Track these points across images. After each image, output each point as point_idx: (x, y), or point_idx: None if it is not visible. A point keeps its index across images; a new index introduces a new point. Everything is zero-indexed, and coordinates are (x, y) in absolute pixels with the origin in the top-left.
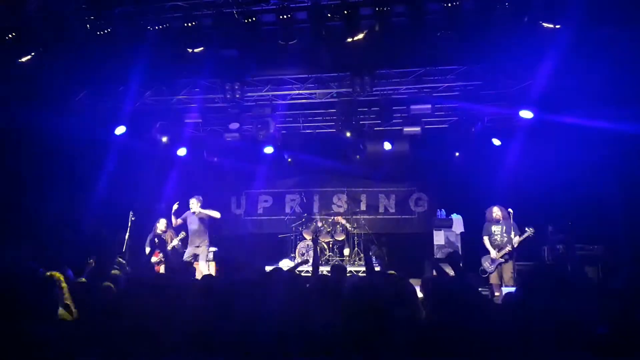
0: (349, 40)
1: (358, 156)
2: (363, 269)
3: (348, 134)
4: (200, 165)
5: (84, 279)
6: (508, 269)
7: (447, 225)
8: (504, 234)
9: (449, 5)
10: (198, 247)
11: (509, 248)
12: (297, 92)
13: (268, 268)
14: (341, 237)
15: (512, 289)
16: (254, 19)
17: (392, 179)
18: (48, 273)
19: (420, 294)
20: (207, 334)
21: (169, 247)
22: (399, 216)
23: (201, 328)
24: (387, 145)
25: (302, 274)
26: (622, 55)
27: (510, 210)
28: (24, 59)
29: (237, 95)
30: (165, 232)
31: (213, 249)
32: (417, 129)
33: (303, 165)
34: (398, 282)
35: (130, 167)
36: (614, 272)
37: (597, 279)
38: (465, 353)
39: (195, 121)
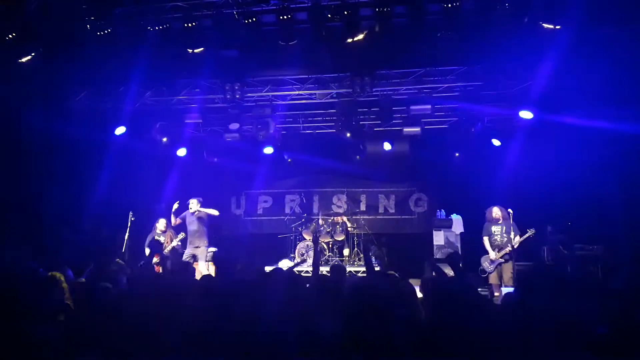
0: (349, 40)
1: (358, 156)
2: (362, 269)
3: (348, 135)
4: (200, 165)
5: (83, 279)
6: (508, 269)
7: (447, 225)
8: (504, 234)
9: (449, 5)
10: (197, 247)
11: (508, 248)
12: (297, 92)
13: (268, 268)
14: (341, 237)
15: (512, 289)
16: (254, 19)
17: (392, 179)
18: (49, 273)
19: (419, 294)
20: (206, 334)
21: (169, 248)
22: (399, 216)
23: (201, 328)
24: (387, 146)
25: (302, 274)
26: (622, 55)
27: (510, 210)
28: (24, 59)
29: (237, 96)
30: (164, 232)
31: (213, 249)
32: (417, 129)
33: (303, 165)
34: (397, 282)
35: (130, 167)
36: (614, 272)
37: (597, 279)
38: (465, 353)
39: (195, 121)
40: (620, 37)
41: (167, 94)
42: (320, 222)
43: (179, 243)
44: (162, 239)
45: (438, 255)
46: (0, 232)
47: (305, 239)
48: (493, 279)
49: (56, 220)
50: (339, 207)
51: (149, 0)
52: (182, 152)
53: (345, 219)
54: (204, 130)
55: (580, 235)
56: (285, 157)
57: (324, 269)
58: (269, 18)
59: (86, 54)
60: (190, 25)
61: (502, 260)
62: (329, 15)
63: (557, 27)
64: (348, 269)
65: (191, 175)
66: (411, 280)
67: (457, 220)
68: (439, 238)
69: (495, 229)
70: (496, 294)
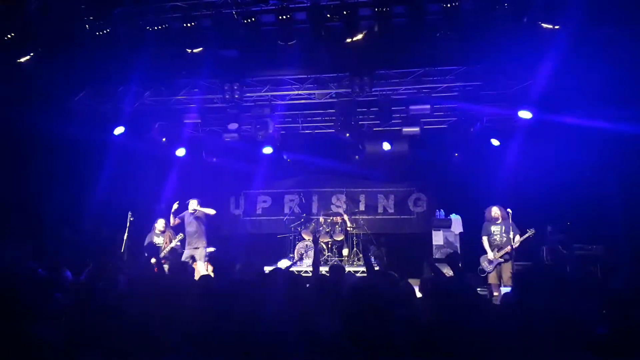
0: (348, 40)
1: (357, 156)
2: (362, 269)
3: (347, 135)
4: (199, 165)
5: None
6: (507, 269)
7: (446, 225)
8: (504, 234)
9: (448, 5)
10: (196, 249)
11: (508, 248)
12: (296, 92)
13: (267, 268)
14: (340, 237)
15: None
16: (253, 19)
17: (391, 179)
18: None
19: (419, 294)
20: (206, 334)
21: (168, 248)
22: (398, 216)
23: (200, 328)
24: (386, 146)
25: (302, 274)
26: (621, 55)
27: (509, 210)
28: (23, 59)
29: (236, 96)
30: (163, 232)
31: (211, 249)
32: (416, 129)
33: (302, 165)
34: (397, 282)
35: (129, 167)
36: (614, 272)
37: (597, 279)
38: (464, 353)
39: (194, 121)
40: (619, 37)
41: (166, 94)
42: (321, 220)
43: (179, 243)
44: (160, 239)
45: (437, 255)
46: (0, 232)
47: (304, 239)
48: (492, 278)
49: (55, 220)
50: (338, 207)
51: (148, 0)
52: (181, 152)
53: (345, 217)
54: (203, 130)
55: (580, 235)
56: (285, 157)
57: (323, 269)
58: (268, 18)
59: (85, 54)
60: (189, 25)
61: (502, 260)
62: (328, 15)
63: (556, 27)
64: (347, 268)
65: (190, 175)
66: (410, 280)
67: (456, 220)
68: (438, 238)
69: (494, 228)
70: (495, 293)
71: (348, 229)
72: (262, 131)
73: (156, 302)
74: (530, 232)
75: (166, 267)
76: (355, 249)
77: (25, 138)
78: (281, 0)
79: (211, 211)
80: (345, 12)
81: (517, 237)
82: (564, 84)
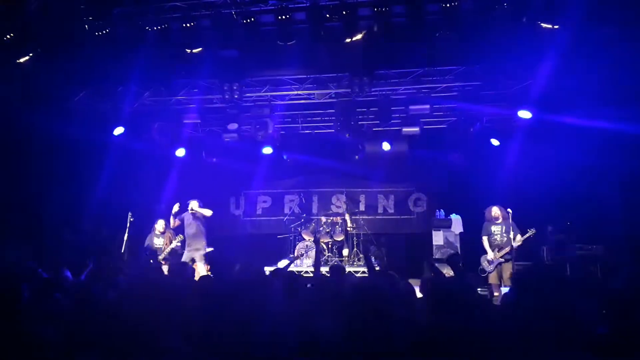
0: (348, 40)
1: (357, 156)
2: (362, 269)
3: (347, 135)
4: (198, 165)
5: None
6: (507, 269)
7: (446, 225)
8: (504, 234)
9: (448, 5)
10: (197, 250)
11: (508, 248)
12: (296, 92)
13: (267, 269)
14: (340, 238)
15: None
16: (252, 19)
17: (391, 179)
18: None
19: (419, 295)
20: (206, 334)
21: (168, 250)
22: (398, 216)
23: (200, 329)
24: (386, 146)
25: (302, 274)
26: (621, 55)
27: (509, 210)
28: (23, 59)
29: (236, 96)
30: (163, 233)
31: (211, 249)
32: (416, 129)
33: (302, 165)
34: (397, 282)
35: (129, 167)
36: (614, 272)
37: (597, 279)
38: (465, 353)
39: (193, 122)
40: (619, 37)
41: (165, 94)
42: (322, 220)
43: (179, 244)
44: (160, 240)
45: (437, 255)
46: (1, 232)
47: (304, 239)
48: (493, 278)
49: (56, 221)
50: (338, 207)
51: (148, 0)
52: (180, 152)
53: (347, 217)
54: (203, 131)
55: (580, 235)
56: (284, 156)
57: (323, 269)
58: (268, 18)
59: (85, 54)
60: (188, 25)
61: (502, 259)
62: (328, 15)
63: (556, 27)
64: (347, 269)
65: (190, 176)
66: (411, 281)
67: (456, 220)
68: (438, 238)
69: (494, 228)
70: (496, 293)
71: (348, 229)
72: (261, 131)
73: (156, 303)
74: (531, 232)
75: (165, 268)
76: (355, 249)
77: (25, 138)
78: (280, 0)
79: (207, 212)
80: (344, 12)
81: (519, 237)
82: (564, 84)
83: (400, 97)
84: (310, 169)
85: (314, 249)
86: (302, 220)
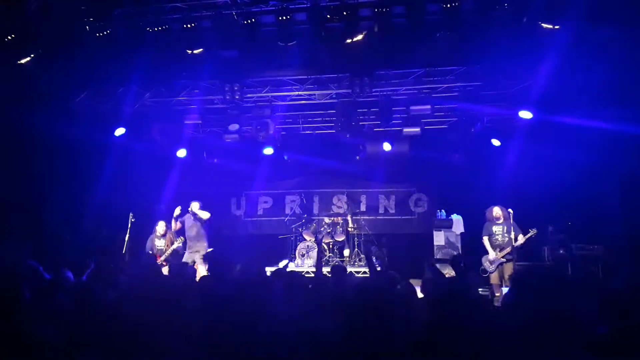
0: (349, 41)
1: (358, 157)
2: (363, 269)
3: (348, 135)
4: (200, 166)
5: (83, 280)
6: (509, 269)
7: (447, 225)
8: (505, 234)
9: (448, 5)
10: (197, 251)
11: (509, 248)
12: (297, 93)
13: (268, 269)
14: (341, 238)
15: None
16: (253, 20)
17: (392, 179)
18: None
19: (420, 295)
20: (206, 335)
21: (169, 251)
22: (399, 217)
23: (201, 329)
24: (387, 146)
25: (304, 274)
26: (621, 55)
27: (510, 210)
28: (23, 60)
29: (237, 97)
30: (164, 235)
31: (210, 249)
32: (417, 129)
33: (303, 166)
34: (398, 283)
35: (130, 168)
36: (614, 272)
37: (597, 279)
38: (466, 354)
39: (194, 122)
40: (619, 38)
41: (166, 94)
42: (326, 220)
43: (180, 245)
44: (162, 242)
45: (438, 255)
46: (1, 232)
47: (305, 239)
48: (494, 278)
49: (56, 221)
50: (339, 207)
51: (149, 1)
52: (181, 153)
53: (349, 218)
54: (204, 131)
55: (581, 235)
56: (285, 156)
57: (324, 270)
58: (268, 19)
59: (86, 55)
60: (189, 26)
61: (504, 260)
62: (328, 16)
63: (556, 27)
64: (348, 269)
65: (191, 176)
66: (412, 281)
67: (457, 221)
68: (439, 238)
69: (496, 228)
70: (497, 294)
71: (349, 229)
72: (262, 132)
73: (156, 303)
74: (532, 232)
75: (166, 269)
76: (356, 249)
77: (26, 139)
78: (281, 0)
79: (204, 215)
80: (345, 13)
81: (521, 236)
82: (564, 84)
83: (401, 97)
84: (311, 170)
85: (315, 250)
86: (303, 220)
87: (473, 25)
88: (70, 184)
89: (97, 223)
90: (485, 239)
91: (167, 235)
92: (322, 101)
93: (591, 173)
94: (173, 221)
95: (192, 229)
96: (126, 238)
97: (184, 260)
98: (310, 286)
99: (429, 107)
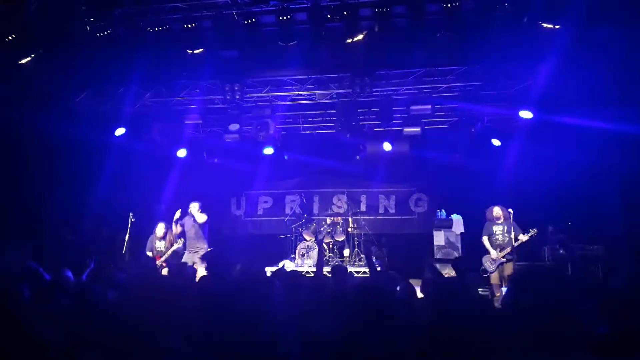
0: (349, 41)
1: (358, 157)
2: (363, 269)
3: (348, 135)
4: (200, 166)
5: (83, 280)
6: (509, 269)
7: (447, 225)
8: (506, 234)
9: (449, 5)
10: (197, 252)
11: (509, 248)
12: (297, 93)
13: (268, 269)
14: (341, 238)
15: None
16: (253, 20)
17: (392, 179)
18: None
19: (420, 295)
20: (206, 335)
21: (169, 252)
22: (399, 217)
23: (200, 330)
24: (387, 146)
25: (304, 274)
26: (621, 55)
27: (510, 210)
28: (24, 60)
29: (237, 96)
30: (164, 237)
31: (209, 249)
32: (417, 129)
33: (303, 166)
34: (397, 282)
35: (131, 168)
36: (614, 272)
37: (597, 279)
38: (465, 354)
39: (195, 122)
40: (619, 37)
41: (166, 94)
42: (328, 220)
43: (180, 246)
44: (162, 244)
45: (438, 255)
46: (1, 232)
47: (305, 239)
48: (494, 278)
49: (56, 221)
50: (339, 207)
51: (149, 1)
52: (182, 153)
53: (350, 219)
54: (204, 131)
55: (581, 235)
56: (285, 157)
57: (325, 270)
58: (269, 19)
59: (86, 55)
60: (189, 26)
61: (504, 260)
62: (329, 16)
63: (557, 26)
64: (348, 269)
65: (191, 176)
66: (412, 281)
67: (457, 221)
68: (439, 238)
69: (496, 228)
70: (497, 294)
71: (349, 229)
72: (263, 132)
73: (156, 303)
74: (533, 232)
75: (165, 271)
76: (356, 249)
77: (26, 139)
78: (281, 0)
79: (200, 218)
80: (345, 13)
81: (522, 236)
82: (565, 83)
83: (401, 97)
84: (311, 169)
85: (315, 249)
86: (303, 220)
87: (473, 25)
88: (70, 184)
89: (97, 223)
90: (485, 239)
91: (167, 237)
92: (323, 101)
93: (591, 173)
94: (174, 225)
95: (191, 230)
96: (126, 238)
97: (183, 260)
98: (310, 286)
99: (429, 107)
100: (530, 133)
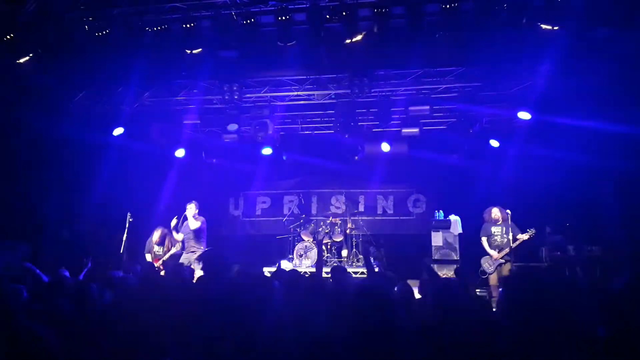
0: (348, 41)
1: (356, 157)
2: (361, 270)
3: (346, 135)
4: (198, 166)
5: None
6: (507, 270)
7: (445, 226)
8: (504, 235)
9: (447, 6)
10: (194, 252)
11: (508, 249)
12: (296, 93)
13: (266, 269)
14: (339, 238)
15: None
16: (252, 20)
17: (391, 180)
18: None
19: (417, 295)
20: (205, 336)
21: (167, 256)
22: (397, 217)
23: (200, 330)
24: (386, 147)
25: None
26: (620, 56)
27: (508, 211)
28: (22, 60)
29: (236, 97)
30: (162, 242)
31: (205, 248)
32: (416, 130)
33: (301, 166)
34: (395, 282)
35: (129, 168)
36: (614, 273)
37: (597, 279)
38: (464, 354)
39: (193, 122)
40: (618, 38)
41: (165, 94)
42: (328, 220)
43: (178, 250)
44: (160, 248)
45: (436, 256)
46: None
47: (303, 239)
48: (493, 280)
49: (54, 221)
50: (338, 207)
51: (148, 1)
52: (180, 153)
53: (348, 220)
54: (203, 131)
55: (579, 236)
56: (284, 157)
57: (323, 270)
58: (268, 19)
59: (85, 55)
60: (188, 26)
61: (502, 260)
62: (328, 16)
63: (556, 27)
64: (347, 269)
65: (189, 176)
66: (409, 282)
67: (455, 222)
68: (437, 239)
69: (495, 229)
70: (495, 295)
71: (347, 230)
72: (261, 132)
73: (154, 304)
74: (531, 232)
75: (163, 273)
76: (354, 250)
77: (24, 139)
78: (280, 1)
79: (194, 225)
80: (344, 13)
81: (520, 235)
82: (563, 84)
83: (400, 98)
84: (309, 170)
85: (313, 250)
86: (302, 221)
87: (472, 26)
88: (68, 184)
89: (95, 223)
90: (484, 240)
91: (166, 241)
92: (321, 101)
93: (589, 174)
94: (174, 232)
95: (188, 232)
96: (124, 238)
97: (181, 260)
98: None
99: (427, 107)
100: (528, 134)
